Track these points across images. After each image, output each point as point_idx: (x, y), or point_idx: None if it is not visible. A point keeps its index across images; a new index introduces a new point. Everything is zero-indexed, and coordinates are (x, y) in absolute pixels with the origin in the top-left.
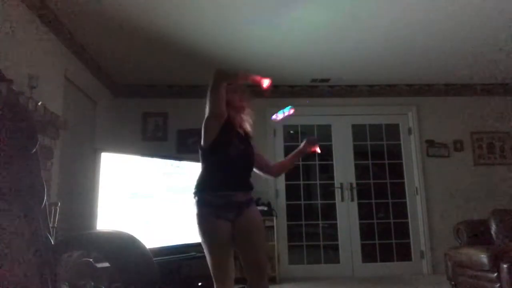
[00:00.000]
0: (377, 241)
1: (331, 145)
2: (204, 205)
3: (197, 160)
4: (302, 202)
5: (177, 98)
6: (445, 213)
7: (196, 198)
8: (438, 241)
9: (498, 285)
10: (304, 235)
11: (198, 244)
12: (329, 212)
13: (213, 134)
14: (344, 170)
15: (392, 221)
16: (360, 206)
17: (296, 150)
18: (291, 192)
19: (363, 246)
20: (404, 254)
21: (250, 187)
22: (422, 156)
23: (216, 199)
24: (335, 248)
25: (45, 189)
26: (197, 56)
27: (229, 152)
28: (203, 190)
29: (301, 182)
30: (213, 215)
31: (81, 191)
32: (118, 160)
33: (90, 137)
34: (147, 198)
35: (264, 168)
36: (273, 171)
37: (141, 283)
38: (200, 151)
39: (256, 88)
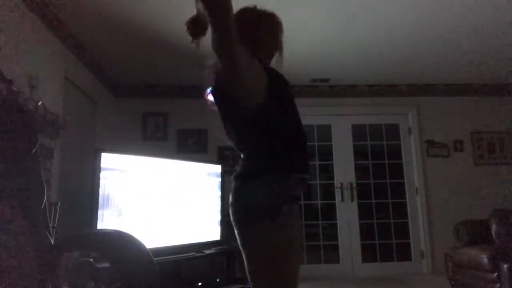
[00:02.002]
0: (377, 241)
1: (331, 145)
2: (281, 196)
3: (197, 160)
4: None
5: (177, 98)
6: (445, 213)
7: (261, 182)
8: (438, 241)
9: (498, 285)
10: (304, 235)
11: (198, 244)
12: (329, 212)
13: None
14: (344, 170)
15: (392, 221)
16: (360, 206)
17: None
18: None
19: (363, 246)
20: (404, 254)
21: None
22: (422, 156)
23: (297, 187)
24: (335, 248)
25: (45, 189)
26: (197, 56)
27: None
28: (278, 170)
29: None
30: (298, 213)
31: (81, 191)
32: (118, 160)
33: (90, 137)
34: (147, 198)
35: None
36: None
37: (141, 283)
38: (246, 116)
39: None
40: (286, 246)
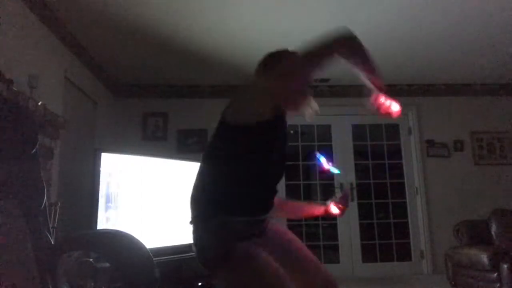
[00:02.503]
0: (377, 241)
1: (331, 145)
2: (235, 235)
3: (197, 160)
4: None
5: (177, 98)
6: (445, 213)
7: (217, 222)
8: (438, 241)
9: (498, 285)
10: (304, 235)
11: None
12: None
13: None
14: (344, 170)
15: (392, 221)
16: (360, 206)
17: (317, 207)
18: (291, 192)
19: (363, 246)
20: (404, 254)
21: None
22: (422, 156)
23: (251, 226)
24: (335, 248)
25: (45, 189)
26: (197, 56)
27: (271, 156)
28: (233, 212)
29: (301, 182)
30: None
31: (81, 191)
32: (118, 160)
33: (90, 137)
34: (147, 198)
35: None
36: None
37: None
38: (220, 146)
39: None
40: (254, 277)
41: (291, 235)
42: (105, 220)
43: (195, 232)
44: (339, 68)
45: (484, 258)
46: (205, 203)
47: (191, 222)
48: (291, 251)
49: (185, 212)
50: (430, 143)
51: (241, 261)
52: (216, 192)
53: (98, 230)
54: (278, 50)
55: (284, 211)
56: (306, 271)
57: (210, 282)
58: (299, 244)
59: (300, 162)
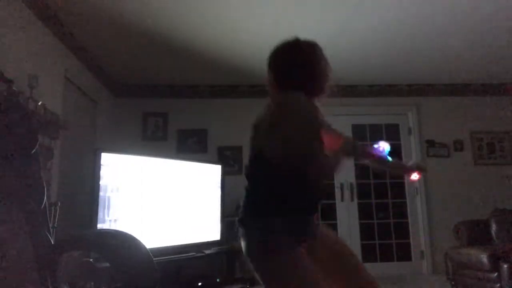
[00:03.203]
0: (377, 241)
1: None
2: (282, 233)
3: (197, 160)
4: None
5: (177, 98)
6: (445, 213)
7: (264, 224)
8: (438, 241)
9: (498, 285)
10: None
11: (198, 244)
12: (329, 212)
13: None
14: (344, 170)
15: (392, 221)
16: (360, 206)
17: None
18: None
19: (363, 246)
20: (404, 254)
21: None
22: (422, 156)
23: (302, 225)
24: None
25: (45, 189)
26: (197, 56)
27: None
28: (279, 211)
29: None
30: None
31: (81, 191)
32: (118, 160)
33: (90, 137)
34: (147, 198)
35: None
36: None
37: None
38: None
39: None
40: (293, 275)
41: (341, 243)
42: (105, 220)
43: (245, 229)
44: (339, 68)
45: (484, 258)
46: (255, 203)
47: (240, 221)
48: (339, 259)
49: (185, 212)
50: (430, 143)
51: (283, 256)
52: (265, 193)
53: (98, 230)
54: (292, 47)
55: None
56: (351, 283)
57: (210, 282)
58: (348, 252)
59: None
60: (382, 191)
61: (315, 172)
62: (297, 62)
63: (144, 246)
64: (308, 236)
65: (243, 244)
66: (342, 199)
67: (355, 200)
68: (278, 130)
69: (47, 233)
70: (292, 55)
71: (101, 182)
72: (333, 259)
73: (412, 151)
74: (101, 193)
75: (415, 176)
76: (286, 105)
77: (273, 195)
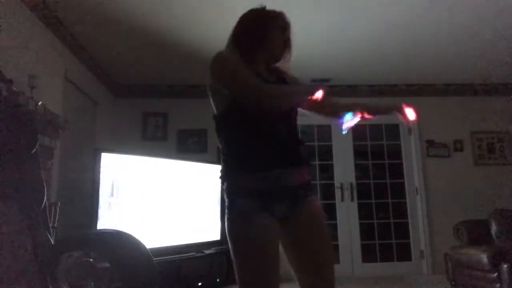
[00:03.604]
0: (377, 241)
1: (331, 145)
2: (239, 194)
3: (197, 160)
4: None
5: (177, 98)
6: (445, 213)
7: (225, 184)
8: (438, 241)
9: (498, 285)
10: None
11: (198, 244)
12: (329, 212)
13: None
14: (344, 170)
15: (392, 221)
16: (360, 206)
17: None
18: None
19: (363, 246)
20: (404, 254)
21: (303, 160)
22: (422, 156)
23: (258, 182)
24: (335, 248)
25: (45, 189)
26: (197, 56)
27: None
28: (235, 170)
29: None
30: (256, 208)
31: (81, 191)
32: (118, 160)
33: (90, 137)
34: (147, 198)
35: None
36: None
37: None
38: (216, 118)
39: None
40: (241, 239)
41: (316, 230)
42: (105, 220)
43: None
44: (339, 68)
45: (484, 258)
46: (223, 160)
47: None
48: (307, 250)
49: (185, 212)
50: (430, 143)
51: (235, 220)
52: (226, 154)
53: (98, 230)
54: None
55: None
56: (309, 278)
57: (210, 282)
58: (319, 245)
59: None
60: (382, 191)
61: (254, 97)
62: (244, 27)
63: (144, 246)
64: (275, 199)
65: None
66: (342, 199)
67: (355, 200)
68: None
69: (47, 233)
70: (242, 20)
71: (101, 182)
72: (296, 244)
73: (412, 151)
74: (101, 193)
75: (410, 114)
76: (213, 63)
77: (230, 153)
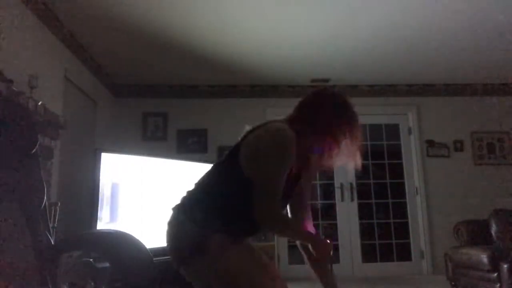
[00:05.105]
0: (377, 241)
1: None
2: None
3: (197, 160)
4: None
5: (177, 98)
6: (445, 213)
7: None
8: (438, 241)
9: (498, 285)
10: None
11: None
12: (329, 212)
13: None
14: (344, 170)
15: (392, 221)
16: (360, 206)
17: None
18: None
19: (363, 246)
20: (404, 254)
21: None
22: (422, 156)
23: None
24: (335, 248)
25: (45, 189)
26: (197, 56)
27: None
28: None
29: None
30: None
31: (81, 191)
32: (118, 160)
33: (90, 137)
34: (147, 198)
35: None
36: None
37: (141, 283)
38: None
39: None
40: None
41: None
42: (105, 220)
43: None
44: (339, 68)
45: (484, 258)
46: (217, 207)
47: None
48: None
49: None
50: (430, 143)
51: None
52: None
53: (98, 230)
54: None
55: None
56: None
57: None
58: None
59: None
60: (382, 191)
61: (269, 226)
62: (330, 110)
63: (144, 246)
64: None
65: (178, 236)
66: (342, 199)
67: (355, 200)
68: (256, 160)
69: (47, 233)
70: (334, 103)
71: (101, 182)
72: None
73: (412, 151)
74: (101, 193)
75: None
76: (270, 136)
77: (235, 208)
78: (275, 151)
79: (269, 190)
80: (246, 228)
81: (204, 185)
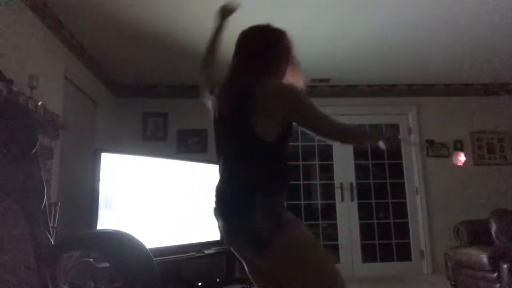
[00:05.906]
0: (377, 241)
1: (331, 145)
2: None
3: (197, 160)
4: (302, 202)
5: (177, 98)
6: (445, 213)
7: (272, 201)
8: (438, 241)
9: (498, 285)
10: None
11: (198, 244)
12: (329, 212)
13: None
14: (344, 170)
15: (392, 221)
16: (360, 206)
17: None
18: (291, 192)
19: (363, 246)
20: (404, 254)
21: None
22: (422, 156)
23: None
24: (335, 248)
25: (45, 189)
26: (197, 56)
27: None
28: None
29: (301, 182)
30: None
31: (81, 191)
32: (118, 160)
33: (90, 137)
34: (147, 198)
35: None
36: None
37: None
38: (263, 143)
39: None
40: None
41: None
42: (105, 220)
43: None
44: (339, 68)
45: (484, 258)
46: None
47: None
48: None
49: (185, 212)
50: (430, 143)
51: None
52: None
53: (98, 230)
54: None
55: None
56: None
57: (210, 282)
58: None
59: (300, 162)
60: (382, 191)
61: (340, 140)
62: (280, 52)
63: (144, 246)
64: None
65: (249, 232)
66: (342, 199)
67: (355, 200)
68: (311, 111)
69: (47, 233)
70: (275, 44)
71: (101, 182)
72: None
73: (412, 151)
74: (101, 193)
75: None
76: (295, 92)
77: (275, 174)
78: (302, 93)
79: (320, 115)
80: (286, 187)
81: (236, 174)
